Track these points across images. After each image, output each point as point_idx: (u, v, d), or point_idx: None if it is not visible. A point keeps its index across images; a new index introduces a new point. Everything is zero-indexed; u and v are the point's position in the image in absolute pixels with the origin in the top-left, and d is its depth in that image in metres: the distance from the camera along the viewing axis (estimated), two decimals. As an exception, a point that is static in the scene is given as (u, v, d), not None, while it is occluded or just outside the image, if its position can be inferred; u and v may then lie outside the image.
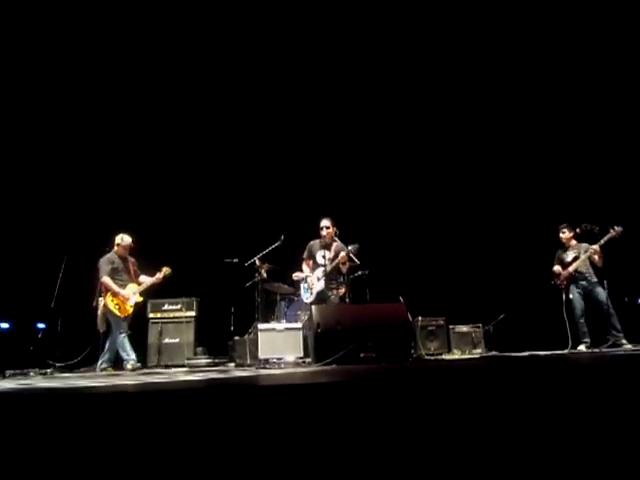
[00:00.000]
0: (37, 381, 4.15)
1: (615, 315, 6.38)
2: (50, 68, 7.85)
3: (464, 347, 7.47)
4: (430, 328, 7.58)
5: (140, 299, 6.42)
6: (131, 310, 6.29)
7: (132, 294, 6.31)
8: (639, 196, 7.46)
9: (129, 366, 5.99)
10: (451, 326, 7.66)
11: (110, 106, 8.26)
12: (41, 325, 6.78)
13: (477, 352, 7.31)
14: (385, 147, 8.76)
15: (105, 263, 6.34)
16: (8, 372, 5.55)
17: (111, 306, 6.16)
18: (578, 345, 6.50)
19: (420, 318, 7.48)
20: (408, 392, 1.97)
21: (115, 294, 6.22)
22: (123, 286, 6.32)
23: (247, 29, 8.20)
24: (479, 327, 7.64)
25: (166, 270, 6.54)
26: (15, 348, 6.41)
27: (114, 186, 8.18)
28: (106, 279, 6.24)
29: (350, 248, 6.04)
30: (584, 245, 6.77)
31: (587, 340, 6.53)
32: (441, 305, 7.68)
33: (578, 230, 6.69)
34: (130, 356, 6.09)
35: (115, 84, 8.20)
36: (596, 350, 6.19)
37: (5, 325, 7.19)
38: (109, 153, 8.34)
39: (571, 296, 6.71)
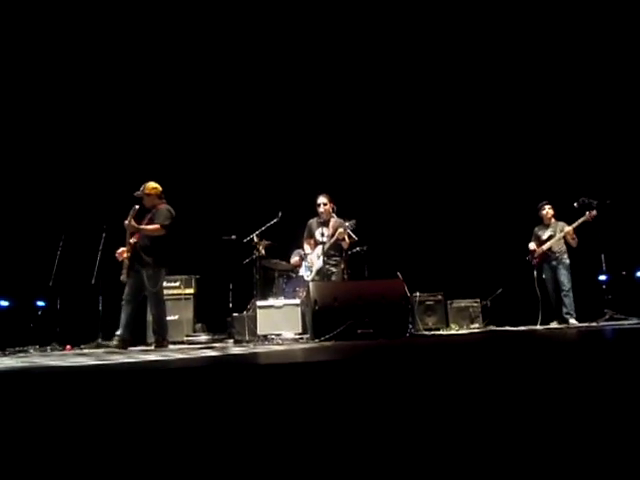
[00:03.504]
0: (37, 359, 4.16)
1: (571, 298, 6.57)
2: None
3: (462, 322, 7.52)
4: (428, 303, 7.62)
5: (125, 256, 5.37)
6: (126, 269, 5.39)
7: (126, 252, 5.41)
8: (636, 171, 7.44)
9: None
10: (449, 301, 7.70)
11: (107, 81, 8.16)
12: (40, 303, 6.80)
13: (475, 327, 7.37)
14: (382, 123, 8.67)
15: None
16: (8, 350, 5.57)
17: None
18: (551, 321, 6.72)
19: (418, 293, 7.52)
20: (404, 368, 1.98)
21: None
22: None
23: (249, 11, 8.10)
24: (477, 302, 7.68)
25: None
26: (14, 326, 6.43)
27: (111, 164, 8.09)
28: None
29: (347, 224, 6.01)
30: (561, 224, 6.85)
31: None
32: (439, 280, 7.71)
33: (576, 204, 6.67)
34: (119, 329, 5.37)
35: (109, 62, 8.09)
36: (585, 324, 6.25)
37: (4, 303, 7.22)
38: (105, 130, 8.24)
39: (544, 276, 6.93)
